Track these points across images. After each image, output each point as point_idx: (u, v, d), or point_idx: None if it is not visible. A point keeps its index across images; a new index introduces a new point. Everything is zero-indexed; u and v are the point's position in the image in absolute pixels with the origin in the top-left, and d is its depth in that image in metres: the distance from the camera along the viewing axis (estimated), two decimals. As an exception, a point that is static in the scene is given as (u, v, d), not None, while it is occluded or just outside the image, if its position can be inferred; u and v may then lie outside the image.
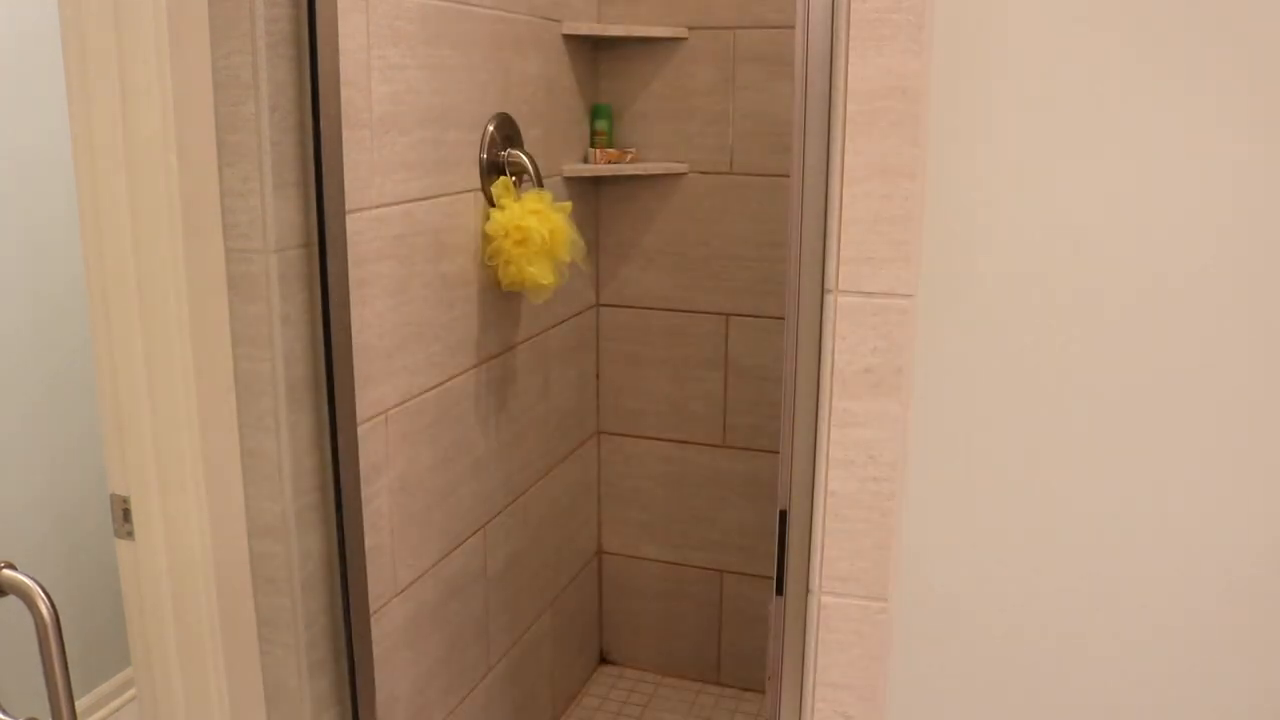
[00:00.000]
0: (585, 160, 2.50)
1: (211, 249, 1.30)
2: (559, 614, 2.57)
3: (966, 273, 1.01)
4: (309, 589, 1.43)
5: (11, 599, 0.97)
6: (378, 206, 1.65)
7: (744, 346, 2.57)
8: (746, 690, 2.77)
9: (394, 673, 1.78)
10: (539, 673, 2.47)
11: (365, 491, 1.63)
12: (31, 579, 0.97)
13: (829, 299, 1.03)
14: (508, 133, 2.05)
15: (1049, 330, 1.01)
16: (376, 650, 1.67)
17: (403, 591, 1.80)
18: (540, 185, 2.05)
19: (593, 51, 2.50)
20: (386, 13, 1.64)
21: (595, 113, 2.51)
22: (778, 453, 1.10)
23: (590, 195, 2.56)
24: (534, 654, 2.43)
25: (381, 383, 1.69)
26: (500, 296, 2.08)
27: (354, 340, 1.49)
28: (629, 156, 2.49)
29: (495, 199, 1.98)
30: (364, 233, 1.61)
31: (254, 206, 1.30)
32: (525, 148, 2.11)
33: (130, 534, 1.33)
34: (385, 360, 1.70)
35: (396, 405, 1.74)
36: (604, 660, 2.90)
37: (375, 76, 1.62)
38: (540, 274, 1.99)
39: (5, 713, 1.05)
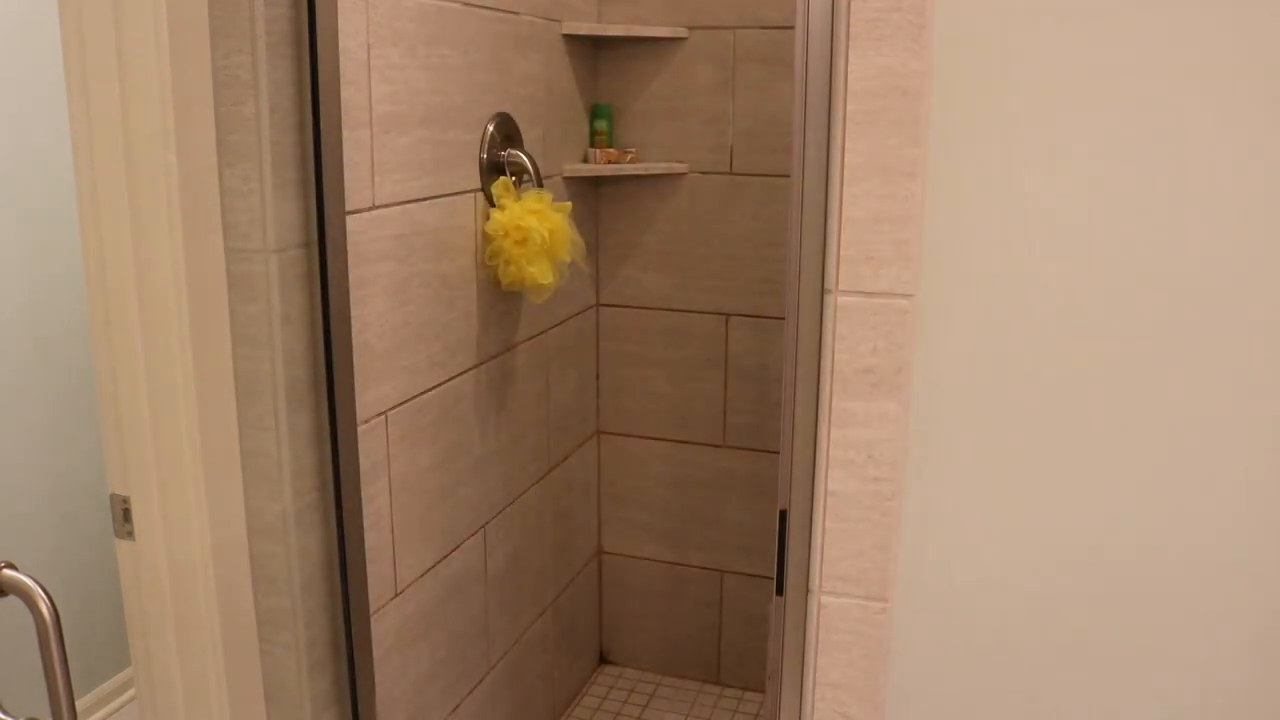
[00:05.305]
0: (585, 160, 2.50)
1: (211, 249, 1.30)
2: (559, 614, 2.57)
3: (966, 273, 1.01)
4: (309, 589, 1.43)
5: (12, 599, 0.97)
6: (378, 207, 1.65)
7: (744, 346, 2.57)
8: (746, 690, 2.77)
9: (394, 673, 1.78)
10: (539, 673, 2.47)
11: (365, 491, 1.63)
12: (32, 579, 0.97)
13: (829, 299, 1.03)
14: (508, 133, 2.05)
15: (1049, 329, 1.01)
16: (376, 650, 1.67)
17: (403, 591, 1.80)
18: (540, 185, 2.05)
19: (593, 51, 2.50)
20: (386, 13, 1.64)
21: (595, 113, 2.51)
22: (778, 453, 1.10)
23: (590, 195, 2.56)
24: (534, 654, 2.43)
25: (381, 383, 1.69)
26: (500, 296, 2.08)
27: (354, 340, 1.49)
28: (629, 156, 2.49)
29: (495, 199, 1.98)
30: (364, 233, 1.61)
31: (254, 206, 1.30)
32: (525, 148, 2.11)
33: (130, 534, 1.33)
34: (385, 360, 1.70)
35: (396, 405, 1.74)
36: (604, 660, 2.90)
37: (375, 76, 1.62)
38: (540, 274, 1.99)
39: (5, 713, 1.05)
